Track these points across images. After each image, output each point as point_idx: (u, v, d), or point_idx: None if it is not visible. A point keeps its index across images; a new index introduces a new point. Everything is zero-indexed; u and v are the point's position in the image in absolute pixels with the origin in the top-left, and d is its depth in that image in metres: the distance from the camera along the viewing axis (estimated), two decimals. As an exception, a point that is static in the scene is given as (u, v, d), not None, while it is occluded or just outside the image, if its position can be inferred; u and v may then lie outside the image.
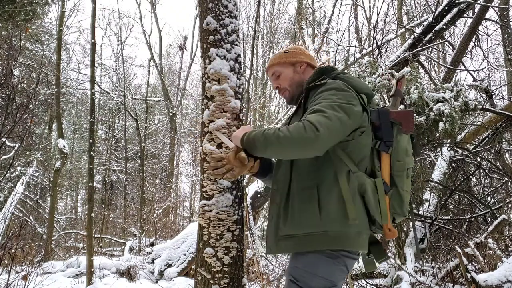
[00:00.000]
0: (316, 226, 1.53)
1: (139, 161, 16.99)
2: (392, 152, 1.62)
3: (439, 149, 4.64)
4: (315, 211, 1.53)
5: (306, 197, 1.57)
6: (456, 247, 3.11)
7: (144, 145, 16.81)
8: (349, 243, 1.54)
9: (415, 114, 3.72)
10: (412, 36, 6.23)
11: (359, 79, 1.77)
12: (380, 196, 1.57)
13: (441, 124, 3.66)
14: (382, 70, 4.44)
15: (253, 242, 5.69)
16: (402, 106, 3.84)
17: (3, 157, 8.55)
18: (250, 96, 10.26)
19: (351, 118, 1.53)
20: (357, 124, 1.58)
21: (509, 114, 4.85)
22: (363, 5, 13.69)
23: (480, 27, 6.58)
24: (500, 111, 4.97)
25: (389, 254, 4.27)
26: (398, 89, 1.81)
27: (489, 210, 4.22)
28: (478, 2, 5.67)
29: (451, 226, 4.32)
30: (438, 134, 3.86)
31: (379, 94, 3.87)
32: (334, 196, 1.53)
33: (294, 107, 1.85)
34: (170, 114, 18.69)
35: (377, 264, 1.70)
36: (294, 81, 1.85)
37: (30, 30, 12.24)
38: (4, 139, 4.43)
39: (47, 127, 17.48)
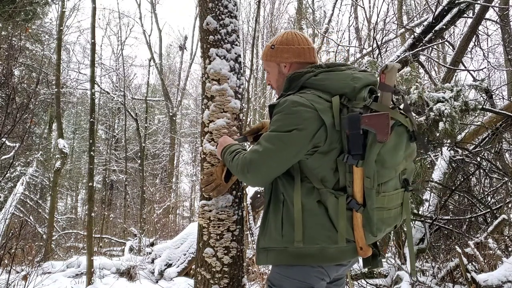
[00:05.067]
0: (278, 241, 1.55)
1: (139, 161, 17.00)
2: (364, 165, 1.45)
3: (439, 149, 4.64)
4: (279, 226, 1.55)
5: (276, 211, 1.59)
6: (456, 247, 3.11)
7: (144, 145, 16.82)
8: (312, 259, 1.52)
9: (414, 115, 3.71)
10: (412, 36, 6.22)
11: (339, 73, 1.58)
12: (340, 214, 1.48)
13: (441, 124, 3.66)
14: (382, 70, 4.43)
15: (253, 242, 5.69)
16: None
17: (3, 157, 8.55)
18: (250, 96, 10.28)
19: (294, 146, 1.49)
20: (309, 145, 1.50)
21: (509, 114, 4.84)
22: (363, 5, 13.70)
23: (480, 27, 6.58)
24: (500, 111, 4.97)
25: (389, 254, 4.28)
26: (382, 83, 1.47)
27: (489, 210, 4.22)
28: (478, 2, 5.67)
29: (451, 226, 4.32)
30: (438, 134, 3.86)
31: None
32: (291, 213, 1.53)
33: None
34: (170, 114, 18.70)
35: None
36: (279, 83, 1.78)
37: (30, 30, 12.24)
38: (4, 139, 4.43)
39: (47, 127, 17.48)
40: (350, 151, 1.46)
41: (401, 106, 1.58)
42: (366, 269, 1.67)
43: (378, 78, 1.50)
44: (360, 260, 1.66)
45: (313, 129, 1.48)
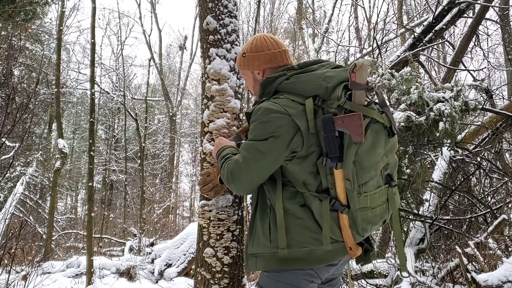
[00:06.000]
0: (267, 247, 1.55)
1: (139, 161, 17.00)
2: (343, 167, 1.44)
3: (439, 149, 4.63)
4: (267, 231, 1.55)
5: (263, 216, 1.59)
6: (456, 247, 3.11)
7: (144, 145, 16.81)
8: (301, 263, 1.52)
9: (414, 114, 3.71)
10: (412, 36, 6.22)
11: (310, 74, 1.55)
12: (325, 217, 1.48)
13: (441, 124, 3.66)
14: (382, 70, 4.44)
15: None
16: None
17: (3, 157, 8.54)
18: (250, 96, 10.26)
19: (271, 154, 1.49)
20: (287, 151, 1.49)
21: (509, 114, 4.84)
22: (363, 5, 13.69)
23: (480, 27, 6.57)
24: (500, 111, 4.97)
25: (389, 254, 4.27)
26: (353, 82, 1.44)
27: (489, 210, 4.21)
28: (478, 2, 5.67)
29: (451, 226, 4.32)
30: (438, 134, 3.86)
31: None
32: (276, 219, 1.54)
33: None
34: (170, 114, 18.70)
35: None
36: (257, 89, 1.75)
37: (30, 30, 12.23)
38: (4, 139, 4.42)
39: (47, 127, 17.47)
40: (328, 153, 1.45)
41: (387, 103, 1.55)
42: (360, 265, 1.66)
43: (349, 77, 1.46)
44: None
45: (289, 135, 1.48)
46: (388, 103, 1.61)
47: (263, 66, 1.72)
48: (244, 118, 2.08)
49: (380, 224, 1.60)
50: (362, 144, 1.42)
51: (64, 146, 9.48)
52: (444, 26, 6.06)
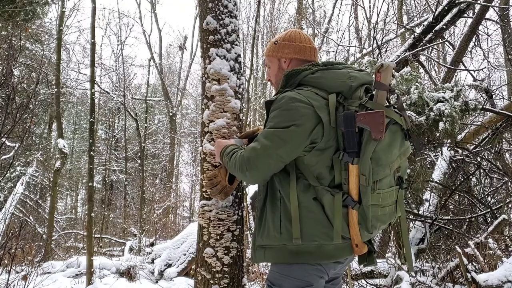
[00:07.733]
0: (277, 239, 1.55)
1: (139, 161, 17.00)
2: (359, 163, 1.47)
3: (439, 149, 4.64)
4: (277, 223, 1.56)
5: (273, 208, 1.59)
6: (456, 247, 3.11)
7: (144, 145, 16.81)
8: (310, 257, 1.53)
9: (414, 114, 3.71)
10: (412, 36, 6.23)
11: (336, 72, 1.60)
12: (336, 212, 1.49)
13: (441, 124, 3.66)
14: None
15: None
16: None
17: (3, 157, 8.55)
18: (250, 96, 10.28)
19: (292, 142, 1.50)
20: (307, 141, 1.51)
21: (509, 114, 4.84)
22: (363, 5, 13.68)
23: (480, 27, 6.57)
24: (500, 111, 4.97)
25: (389, 254, 4.28)
26: (378, 82, 1.48)
27: (489, 210, 4.21)
28: (478, 2, 5.67)
29: (451, 226, 4.32)
30: (438, 134, 3.86)
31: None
32: (288, 211, 1.54)
33: None
34: (170, 114, 18.70)
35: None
36: (278, 78, 1.79)
37: (30, 30, 12.23)
38: (4, 139, 4.43)
39: (47, 127, 17.46)
40: (346, 148, 1.48)
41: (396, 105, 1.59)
42: (363, 266, 1.67)
43: (374, 77, 1.50)
44: (356, 257, 1.67)
45: (311, 125, 1.50)
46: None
47: (292, 55, 1.77)
48: (243, 118, 2.09)
49: (386, 225, 1.62)
50: (380, 142, 1.46)
51: (64, 146, 9.48)
52: (444, 26, 6.07)
